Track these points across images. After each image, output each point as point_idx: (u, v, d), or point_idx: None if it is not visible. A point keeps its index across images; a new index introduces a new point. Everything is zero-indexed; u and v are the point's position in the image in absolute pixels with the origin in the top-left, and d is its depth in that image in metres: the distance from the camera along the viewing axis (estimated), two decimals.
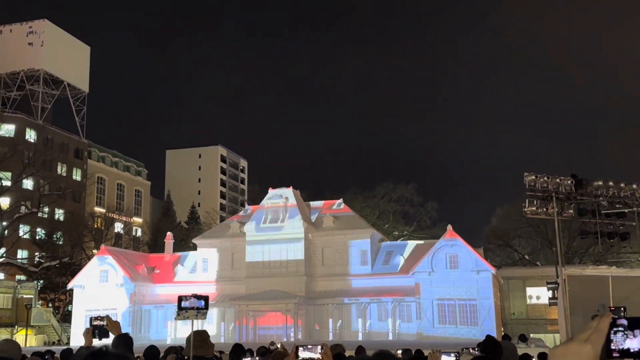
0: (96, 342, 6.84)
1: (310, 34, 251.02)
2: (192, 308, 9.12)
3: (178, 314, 9.17)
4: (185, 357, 8.14)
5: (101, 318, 6.43)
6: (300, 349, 5.64)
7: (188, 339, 8.13)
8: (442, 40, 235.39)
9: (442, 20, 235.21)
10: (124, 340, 6.16)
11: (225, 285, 52.48)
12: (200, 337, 7.75)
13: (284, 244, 52.07)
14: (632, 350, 1.58)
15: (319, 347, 5.73)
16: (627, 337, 1.60)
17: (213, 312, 49.12)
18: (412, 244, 54.69)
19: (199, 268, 55.12)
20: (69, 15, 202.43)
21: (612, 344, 1.59)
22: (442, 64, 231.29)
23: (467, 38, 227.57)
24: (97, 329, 6.31)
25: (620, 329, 1.60)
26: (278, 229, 52.30)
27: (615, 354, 1.59)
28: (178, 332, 50.66)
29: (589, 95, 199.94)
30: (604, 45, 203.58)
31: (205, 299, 9.30)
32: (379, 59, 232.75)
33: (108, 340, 6.21)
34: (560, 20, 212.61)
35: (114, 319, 6.76)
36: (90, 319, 6.48)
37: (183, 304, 9.09)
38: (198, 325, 10.10)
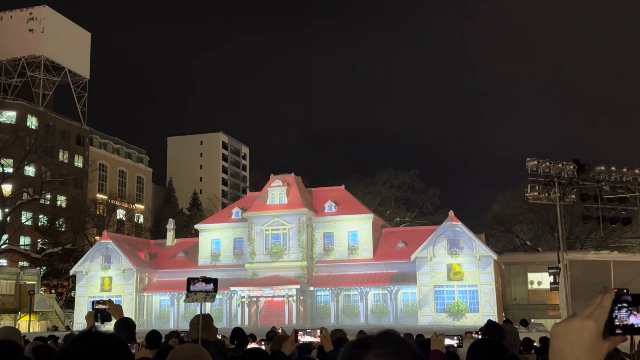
0: (98, 326, 6.87)
1: (312, 20, 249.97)
2: (201, 291, 9.16)
3: (187, 296, 9.22)
4: (187, 341, 8.18)
5: (103, 302, 6.45)
6: (300, 333, 5.66)
7: (192, 321, 8.20)
8: (444, 28, 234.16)
9: (446, 11, 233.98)
10: (126, 324, 6.19)
11: (227, 271, 52.61)
12: (204, 320, 7.82)
13: (286, 230, 52.11)
14: (636, 326, 1.57)
15: (318, 330, 5.76)
16: (631, 313, 1.58)
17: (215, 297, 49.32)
18: (413, 229, 54.54)
19: (201, 254, 55.23)
20: (69, 2, 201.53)
21: (615, 320, 1.58)
22: (445, 52, 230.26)
23: (469, 26, 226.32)
24: (99, 312, 6.35)
25: (624, 304, 1.59)
26: (280, 216, 52.31)
27: (618, 330, 1.57)
28: (180, 317, 50.91)
29: (591, 81, 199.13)
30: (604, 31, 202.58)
31: (214, 281, 9.34)
32: (382, 48, 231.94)
33: (110, 324, 6.23)
34: (562, 9, 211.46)
35: (116, 304, 6.78)
36: (93, 302, 6.51)
37: (192, 287, 9.12)
38: (205, 309, 10.13)
